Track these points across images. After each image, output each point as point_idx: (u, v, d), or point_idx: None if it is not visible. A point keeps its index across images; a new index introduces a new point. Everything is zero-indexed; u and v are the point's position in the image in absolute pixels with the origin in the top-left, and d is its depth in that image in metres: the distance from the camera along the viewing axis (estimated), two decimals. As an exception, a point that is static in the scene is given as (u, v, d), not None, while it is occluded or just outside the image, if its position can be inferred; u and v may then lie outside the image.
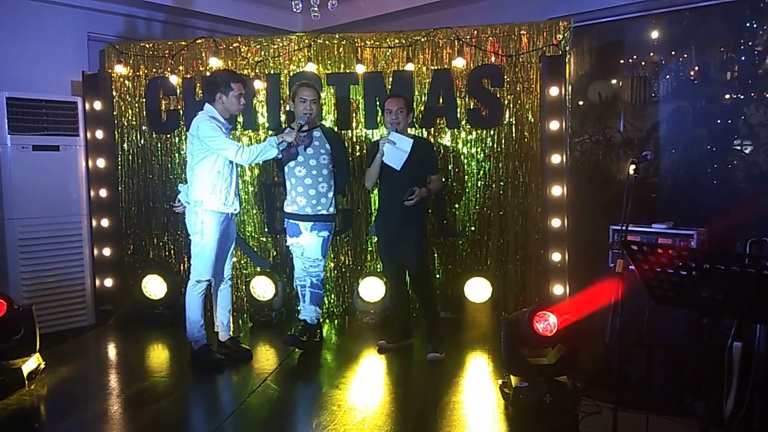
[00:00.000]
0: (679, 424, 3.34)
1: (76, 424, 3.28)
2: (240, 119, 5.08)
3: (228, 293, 4.23)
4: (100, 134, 5.13)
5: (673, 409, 3.42)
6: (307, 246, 4.22)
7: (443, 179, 4.72)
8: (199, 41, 5.19)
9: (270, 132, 4.99)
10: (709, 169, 4.77)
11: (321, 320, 4.53)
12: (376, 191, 4.72)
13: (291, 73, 5.08)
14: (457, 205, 4.98)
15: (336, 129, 4.92)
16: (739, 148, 4.67)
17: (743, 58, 4.58)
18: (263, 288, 5.02)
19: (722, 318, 2.87)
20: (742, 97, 4.61)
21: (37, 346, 3.80)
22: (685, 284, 2.23)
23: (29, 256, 4.77)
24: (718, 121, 4.72)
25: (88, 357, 4.58)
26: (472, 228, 4.99)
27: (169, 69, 5.19)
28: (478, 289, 4.83)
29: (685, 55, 4.84)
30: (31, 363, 3.74)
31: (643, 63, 5.04)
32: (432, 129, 4.95)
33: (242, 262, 5.25)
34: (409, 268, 4.23)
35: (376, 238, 4.71)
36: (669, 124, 4.93)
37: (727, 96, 4.69)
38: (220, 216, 3.96)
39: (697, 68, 4.80)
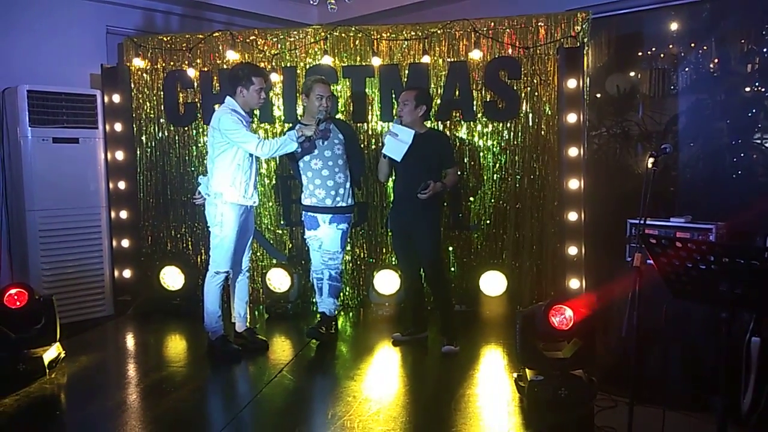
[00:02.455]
0: (695, 420, 3.32)
1: (96, 412, 3.33)
2: (257, 111, 5.10)
3: (245, 285, 4.26)
4: (118, 127, 5.18)
5: (689, 404, 3.40)
6: (325, 238, 4.24)
7: (458, 172, 4.73)
8: (217, 34, 5.21)
9: (287, 125, 5.01)
10: (728, 162, 4.72)
11: (338, 312, 4.55)
12: (390, 183, 4.71)
13: (307, 66, 5.09)
14: (472, 198, 4.97)
15: (351, 122, 4.92)
16: (759, 141, 4.61)
17: (764, 50, 4.50)
18: (279, 280, 5.06)
19: (741, 312, 2.84)
20: (762, 89, 4.55)
21: (58, 336, 3.86)
22: (703, 278, 2.21)
23: (49, 247, 4.85)
24: (738, 114, 4.66)
25: (107, 347, 4.65)
26: (488, 221, 4.98)
27: (186, 62, 5.21)
28: (493, 283, 4.83)
29: (705, 48, 4.78)
30: (52, 352, 3.80)
31: (662, 55, 4.98)
32: (448, 122, 4.94)
33: (258, 254, 5.28)
34: (423, 260, 4.21)
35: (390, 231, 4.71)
36: (688, 117, 4.88)
37: (748, 89, 4.62)
38: (240, 208, 3.98)
39: (717, 60, 4.73)
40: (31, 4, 5.02)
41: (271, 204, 5.27)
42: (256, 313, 5.11)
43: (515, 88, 4.80)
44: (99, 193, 5.13)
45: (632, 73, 5.12)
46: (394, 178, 4.29)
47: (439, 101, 4.89)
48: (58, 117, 4.86)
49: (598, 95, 5.15)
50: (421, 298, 4.40)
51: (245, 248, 4.19)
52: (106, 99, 5.14)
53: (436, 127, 4.80)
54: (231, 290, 4.24)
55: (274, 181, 5.25)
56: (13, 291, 3.78)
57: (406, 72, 4.94)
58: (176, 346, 4.61)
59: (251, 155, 3.96)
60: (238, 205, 3.96)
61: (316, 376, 3.96)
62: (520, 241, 4.92)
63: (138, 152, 5.35)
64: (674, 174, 4.90)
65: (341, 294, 5.02)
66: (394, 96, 4.93)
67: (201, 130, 5.26)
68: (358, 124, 5.01)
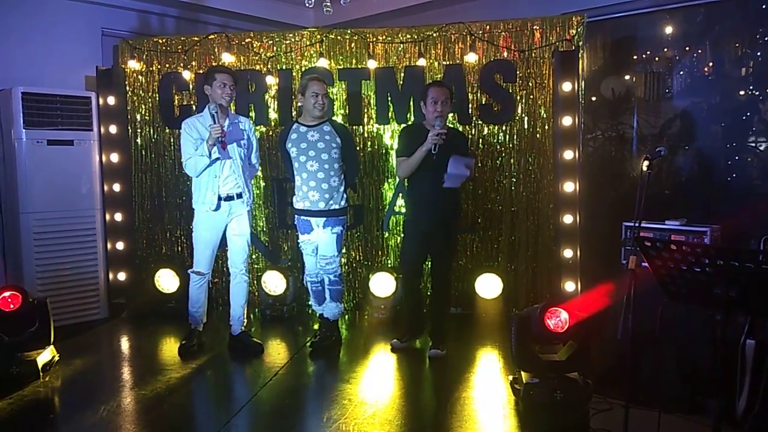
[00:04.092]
0: (691, 422, 3.32)
1: (90, 415, 3.31)
2: (252, 114, 5.10)
3: (242, 288, 4.24)
4: (113, 129, 5.17)
5: (685, 407, 3.40)
6: (321, 243, 4.19)
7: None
8: (212, 37, 5.21)
9: (281, 126, 5.01)
10: (723, 165, 4.74)
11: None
12: (385, 186, 4.71)
13: (303, 69, 5.09)
14: (469, 201, 4.97)
15: (347, 124, 4.92)
16: (753, 144, 4.63)
17: (759, 54, 4.53)
18: (274, 282, 5.05)
19: (735, 315, 2.85)
20: (757, 93, 4.57)
21: (52, 339, 3.84)
22: (698, 281, 2.22)
23: (44, 250, 4.82)
24: (733, 118, 4.68)
25: (101, 350, 4.63)
26: (484, 224, 4.98)
27: (181, 64, 5.21)
28: (489, 285, 4.83)
29: (700, 51, 4.80)
30: (46, 355, 3.78)
31: (656, 58, 5.00)
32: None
33: (253, 257, 5.26)
34: (436, 260, 4.11)
35: (396, 235, 4.68)
36: (683, 121, 4.89)
37: (742, 92, 4.64)
38: (205, 212, 4.03)
39: (711, 64, 4.75)
40: (26, 7, 5.01)
41: (266, 207, 5.26)
42: (252, 316, 5.09)
43: (510, 91, 4.81)
44: (93, 196, 5.11)
45: (627, 77, 5.14)
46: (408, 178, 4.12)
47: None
48: (53, 119, 4.84)
49: (594, 98, 5.17)
50: (422, 303, 4.39)
51: (238, 251, 4.18)
52: (101, 101, 5.12)
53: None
54: (231, 293, 4.28)
55: (267, 184, 5.23)
56: (6, 294, 3.76)
57: (402, 75, 4.95)
58: (171, 349, 4.57)
59: (211, 161, 3.92)
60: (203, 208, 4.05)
61: (312, 379, 3.95)
62: (515, 243, 4.92)
63: (133, 154, 5.33)
64: (669, 177, 4.91)
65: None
66: (390, 98, 4.95)
67: (196, 132, 5.24)
68: (354, 127, 5.01)
